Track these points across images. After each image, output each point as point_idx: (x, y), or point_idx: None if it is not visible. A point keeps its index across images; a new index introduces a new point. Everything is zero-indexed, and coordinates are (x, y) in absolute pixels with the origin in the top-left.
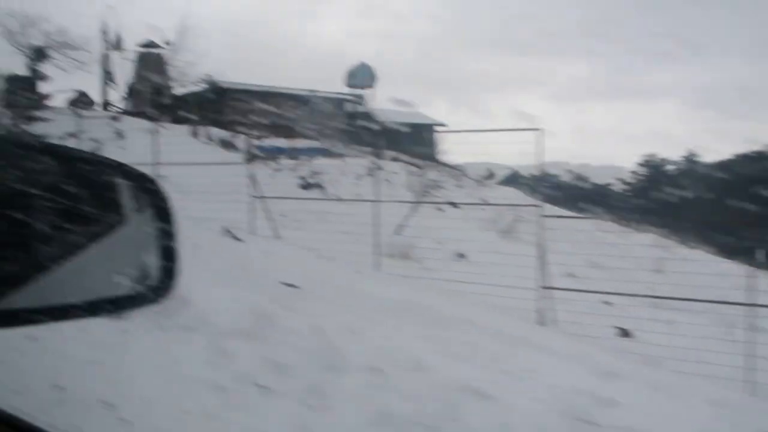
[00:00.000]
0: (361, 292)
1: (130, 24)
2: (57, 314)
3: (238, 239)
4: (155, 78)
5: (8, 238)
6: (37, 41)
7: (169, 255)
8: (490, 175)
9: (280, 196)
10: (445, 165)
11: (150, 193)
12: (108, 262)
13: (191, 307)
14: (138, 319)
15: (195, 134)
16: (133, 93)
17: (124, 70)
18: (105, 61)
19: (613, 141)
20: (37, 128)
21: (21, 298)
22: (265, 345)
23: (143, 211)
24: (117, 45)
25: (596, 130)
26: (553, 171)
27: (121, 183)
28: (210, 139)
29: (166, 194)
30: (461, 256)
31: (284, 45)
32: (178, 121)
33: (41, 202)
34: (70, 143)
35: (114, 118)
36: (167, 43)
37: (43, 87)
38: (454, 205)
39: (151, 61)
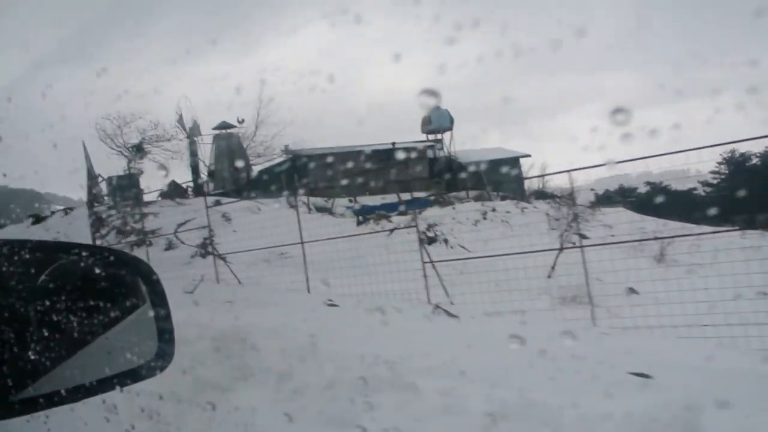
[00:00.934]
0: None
1: (206, 108)
2: (71, 395)
3: (453, 315)
4: (235, 157)
5: (29, 332)
6: (133, 139)
7: (164, 331)
8: (597, 199)
9: (446, 260)
10: (554, 197)
11: (143, 276)
12: (119, 343)
13: None
14: None
15: (292, 206)
16: (217, 174)
17: (206, 154)
18: (191, 148)
19: (669, 145)
20: (148, 224)
21: (44, 385)
22: None
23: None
24: (195, 131)
25: (651, 138)
26: (627, 184)
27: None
28: (309, 207)
29: (156, 277)
30: (632, 290)
31: (353, 103)
32: (270, 195)
33: (54, 298)
34: (185, 234)
35: (217, 203)
36: (240, 122)
37: (143, 182)
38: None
39: (231, 141)
